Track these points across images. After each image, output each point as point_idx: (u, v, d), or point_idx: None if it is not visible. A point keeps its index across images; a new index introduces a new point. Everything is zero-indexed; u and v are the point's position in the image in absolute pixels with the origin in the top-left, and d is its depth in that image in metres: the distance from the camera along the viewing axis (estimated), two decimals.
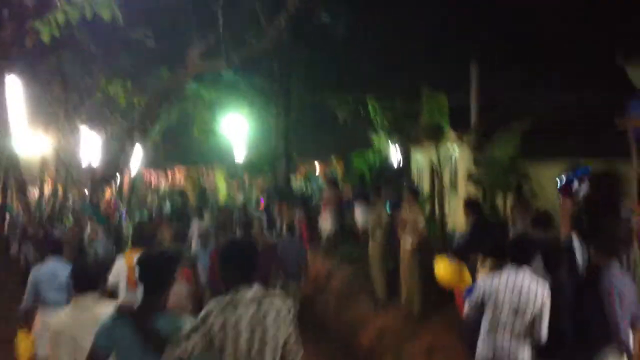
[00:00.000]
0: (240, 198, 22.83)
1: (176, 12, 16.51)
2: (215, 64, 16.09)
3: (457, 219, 13.05)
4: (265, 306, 3.35)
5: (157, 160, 29.92)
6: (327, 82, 21.11)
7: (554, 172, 7.01)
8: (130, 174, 24.27)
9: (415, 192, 9.15)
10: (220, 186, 26.42)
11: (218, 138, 22.94)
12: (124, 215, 18.25)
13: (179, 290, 5.82)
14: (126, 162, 19.84)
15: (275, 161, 21.22)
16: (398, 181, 15.01)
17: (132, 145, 19.06)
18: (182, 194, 21.97)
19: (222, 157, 24.50)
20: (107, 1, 7.46)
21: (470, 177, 10.09)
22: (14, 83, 12.87)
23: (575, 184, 5.84)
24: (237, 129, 21.56)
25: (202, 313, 3.31)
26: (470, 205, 7.96)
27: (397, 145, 19.77)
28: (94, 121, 19.95)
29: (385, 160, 20.50)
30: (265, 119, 22.25)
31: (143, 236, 6.55)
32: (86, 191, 23.64)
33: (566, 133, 10.99)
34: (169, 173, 32.43)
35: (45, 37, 7.80)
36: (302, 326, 3.60)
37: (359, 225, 12.67)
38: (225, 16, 16.10)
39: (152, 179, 33.28)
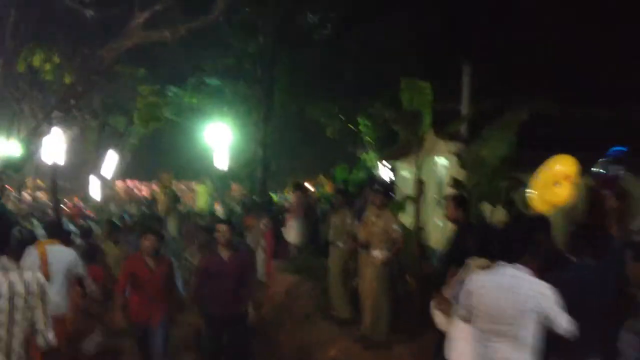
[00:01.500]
0: (218, 208, 21.04)
1: None
2: (159, 34, 13.70)
3: (439, 235, 11.33)
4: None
5: (138, 171, 28.33)
6: (311, 91, 19.55)
7: None
8: (103, 180, 22.65)
9: (383, 193, 7.34)
10: (200, 195, 24.63)
11: (200, 147, 21.43)
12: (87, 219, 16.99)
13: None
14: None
15: (252, 170, 19.51)
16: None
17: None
18: (150, 202, 20.19)
19: (203, 167, 22.87)
20: None
21: (453, 182, 8.23)
22: None
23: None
24: (220, 137, 20.16)
25: None
26: (457, 201, 6.18)
27: (384, 162, 18.16)
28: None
29: (370, 175, 18.81)
30: (247, 127, 20.66)
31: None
32: None
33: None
34: (149, 185, 30.66)
35: None
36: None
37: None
38: None
39: (132, 188, 31.49)
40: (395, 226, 7.05)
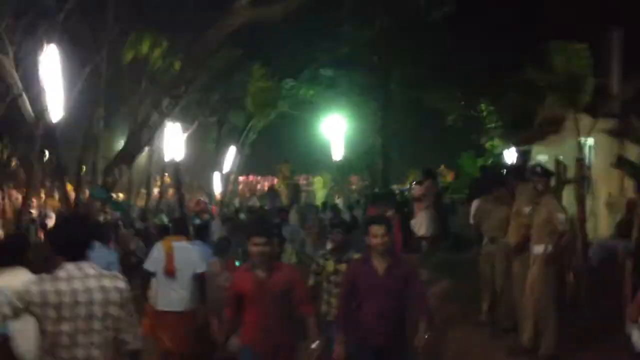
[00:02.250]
0: (339, 201, 20.19)
1: None
2: (268, 11, 12.54)
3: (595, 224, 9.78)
4: None
5: (257, 165, 28.10)
6: (431, 76, 18.19)
7: None
8: (225, 175, 22.50)
9: (544, 175, 6.00)
10: (318, 189, 23.96)
11: (317, 139, 20.79)
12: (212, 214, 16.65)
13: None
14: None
15: (372, 161, 18.48)
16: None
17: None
18: (272, 193, 19.54)
19: (321, 160, 22.18)
20: None
21: (618, 161, 6.73)
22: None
23: None
24: (336, 129, 19.44)
25: None
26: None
27: (513, 146, 16.52)
28: None
29: (499, 162, 17.22)
30: (364, 116, 19.69)
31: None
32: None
33: None
34: (269, 179, 30.46)
35: None
36: None
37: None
38: None
39: (251, 183, 31.45)
40: (560, 215, 5.72)
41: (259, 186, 31.10)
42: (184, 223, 7.26)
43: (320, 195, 23.45)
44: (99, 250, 5.56)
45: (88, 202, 12.76)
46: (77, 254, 3.07)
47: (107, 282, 3.07)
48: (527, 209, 6.09)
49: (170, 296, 6.09)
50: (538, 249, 5.77)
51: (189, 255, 6.23)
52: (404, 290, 4.64)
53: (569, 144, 9.90)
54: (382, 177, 17.50)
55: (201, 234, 7.89)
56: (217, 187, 22.62)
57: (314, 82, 20.83)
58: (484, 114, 20.68)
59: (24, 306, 2.90)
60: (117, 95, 17.36)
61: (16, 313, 2.93)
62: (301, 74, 20.91)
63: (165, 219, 16.02)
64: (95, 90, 14.89)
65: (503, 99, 16.67)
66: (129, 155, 13.98)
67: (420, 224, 10.74)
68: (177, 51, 14.00)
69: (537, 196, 5.93)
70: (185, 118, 17.84)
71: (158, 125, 14.48)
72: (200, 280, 6.18)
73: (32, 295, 2.91)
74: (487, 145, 20.53)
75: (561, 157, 10.43)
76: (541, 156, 13.75)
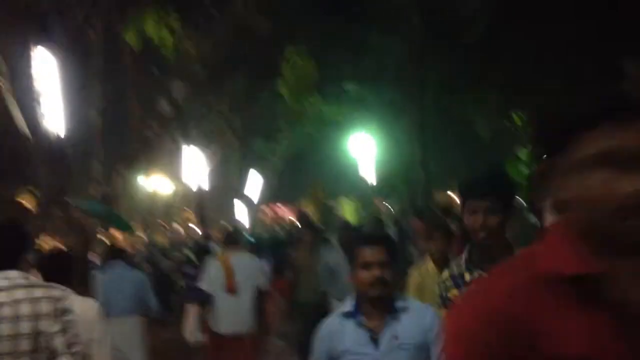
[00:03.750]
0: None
1: None
2: None
3: None
4: None
5: (283, 193, 26.90)
6: (465, 88, 17.02)
7: None
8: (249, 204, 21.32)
9: None
10: (348, 212, 22.65)
11: (346, 160, 19.59)
12: None
13: None
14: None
15: (410, 176, 17.22)
16: None
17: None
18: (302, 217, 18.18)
19: (352, 182, 20.91)
20: None
21: None
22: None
23: None
24: (365, 149, 18.29)
25: None
26: None
27: None
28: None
29: None
30: (396, 134, 18.50)
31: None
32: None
33: None
34: (296, 207, 29.15)
35: None
36: None
37: None
38: None
39: (277, 212, 30.20)
40: None
41: (284, 215, 29.90)
42: (240, 233, 6.77)
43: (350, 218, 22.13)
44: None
45: (77, 217, 10.29)
46: (6, 263, 2.65)
47: (38, 292, 2.60)
48: None
49: (233, 317, 5.47)
50: None
51: (251, 268, 5.72)
52: None
53: None
54: (423, 190, 16.14)
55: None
56: (243, 217, 21.42)
57: (339, 99, 19.70)
58: (517, 123, 19.75)
59: None
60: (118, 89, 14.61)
61: None
62: (323, 92, 19.79)
63: (191, 255, 14.73)
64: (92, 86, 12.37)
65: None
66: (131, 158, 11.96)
67: None
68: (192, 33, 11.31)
69: None
70: (209, 144, 16.70)
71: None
72: (261, 298, 5.62)
73: None
74: (522, 154, 19.46)
75: None
76: None
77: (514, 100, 18.22)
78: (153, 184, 22.03)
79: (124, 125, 15.22)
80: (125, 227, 10.17)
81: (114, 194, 13.27)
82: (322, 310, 5.08)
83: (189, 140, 14.73)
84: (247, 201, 21.25)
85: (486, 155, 20.01)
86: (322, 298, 6.27)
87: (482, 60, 16.21)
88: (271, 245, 11.13)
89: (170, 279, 11.33)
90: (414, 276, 4.49)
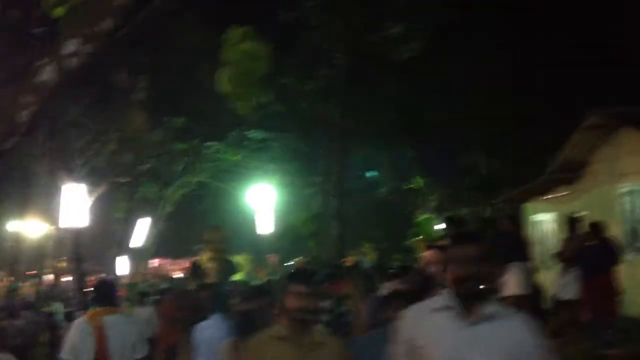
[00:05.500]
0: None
1: None
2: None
3: None
4: None
5: (173, 245, 24.42)
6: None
7: None
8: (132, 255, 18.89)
9: None
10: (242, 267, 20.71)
11: (244, 212, 17.83)
12: None
13: None
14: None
15: (319, 228, 15.74)
16: None
17: None
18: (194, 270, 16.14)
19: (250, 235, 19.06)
20: None
21: None
22: None
23: None
24: (264, 198, 16.62)
25: None
26: None
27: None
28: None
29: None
30: (301, 185, 17.12)
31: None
32: None
33: None
34: (183, 263, 26.65)
35: None
36: None
37: None
38: None
39: (162, 268, 27.54)
40: None
41: (170, 272, 27.21)
42: (112, 287, 5.12)
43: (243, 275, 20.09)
44: None
45: None
46: None
47: None
48: None
49: None
50: None
51: (129, 333, 4.52)
52: None
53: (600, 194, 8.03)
54: (336, 245, 14.63)
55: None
56: (124, 267, 18.90)
57: (240, 145, 18.11)
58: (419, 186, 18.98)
59: None
60: None
61: None
62: (226, 138, 18.15)
63: (61, 308, 12.46)
64: None
65: None
66: None
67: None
68: None
69: None
70: (92, 179, 14.39)
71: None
72: None
73: None
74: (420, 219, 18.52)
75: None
76: (539, 216, 11.61)
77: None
78: (23, 226, 19.16)
79: None
80: None
81: None
82: None
83: (71, 177, 12.54)
84: (130, 252, 18.81)
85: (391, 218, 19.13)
86: None
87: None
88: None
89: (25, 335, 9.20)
90: None
